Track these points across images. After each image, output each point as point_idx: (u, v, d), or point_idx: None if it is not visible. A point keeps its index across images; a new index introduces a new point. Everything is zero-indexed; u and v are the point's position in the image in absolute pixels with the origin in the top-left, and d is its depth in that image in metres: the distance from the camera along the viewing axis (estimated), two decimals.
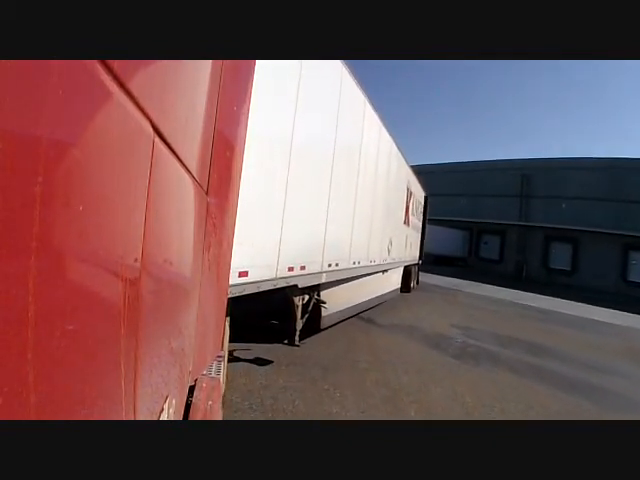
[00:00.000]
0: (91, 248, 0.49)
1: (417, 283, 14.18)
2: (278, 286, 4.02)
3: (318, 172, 4.75)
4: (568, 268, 24.72)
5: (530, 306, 13.03)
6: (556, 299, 15.79)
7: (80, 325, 0.47)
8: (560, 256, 24.95)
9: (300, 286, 4.62)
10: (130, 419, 0.68)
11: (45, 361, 0.39)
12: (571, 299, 16.19)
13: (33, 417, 0.38)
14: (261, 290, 3.64)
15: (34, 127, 0.35)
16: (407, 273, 12.31)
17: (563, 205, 24.52)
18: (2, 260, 0.33)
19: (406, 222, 10.80)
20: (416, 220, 12.72)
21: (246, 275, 3.29)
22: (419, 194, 12.97)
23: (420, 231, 13.89)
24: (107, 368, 0.57)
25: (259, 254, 3.55)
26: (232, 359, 4.74)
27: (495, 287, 16.98)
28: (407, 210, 10.70)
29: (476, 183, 27.05)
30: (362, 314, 7.77)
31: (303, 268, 4.57)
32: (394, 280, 10.78)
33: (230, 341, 5.03)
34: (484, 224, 26.97)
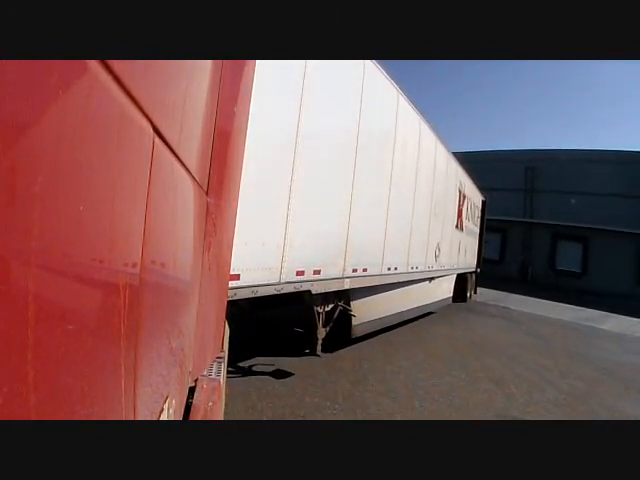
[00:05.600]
0: (91, 248, 0.49)
1: (475, 292, 13.46)
2: (283, 291, 3.67)
3: (334, 169, 4.34)
4: (578, 270, 22.57)
5: (616, 334, 11.06)
6: (618, 316, 14.18)
7: (80, 325, 0.47)
8: (569, 257, 22.73)
9: (314, 292, 4.22)
10: (130, 419, 0.68)
11: (45, 361, 0.39)
12: (625, 313, 14.67)
13: (33, 417, 0.38)
14: (259, 295, 3.35)
15: (34, 127, 0.35)
16: (462, 281, 11.70)
17: (572, 201, 22.35)
18: (2, 260, 0.33)
19: (459, 226, 10.24)
20: (472, 225, 12.09)
21: (237, 278, 3.01)
22: (475, 198, 12.30)
23: (477, 237, 13.25)
24: (107, 368, 0.57)
25: (255, 255, 3.25)
26: (249, 372, 4.51)
27: (528, 298, 15.40)
28: (460, 214, 10.18)
29: (474, 175, 23.84)
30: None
31: (317, 272, 4.16)
32: (445, 288, 10.11)
33: (250, 353, 4.82)
34: None
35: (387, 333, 6.83)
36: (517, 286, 18.81)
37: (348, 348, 5.71)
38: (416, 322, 8.26)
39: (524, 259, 23.95)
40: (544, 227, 23.32)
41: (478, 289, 14.41)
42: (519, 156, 24.61)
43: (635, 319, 14.35)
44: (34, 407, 0.38)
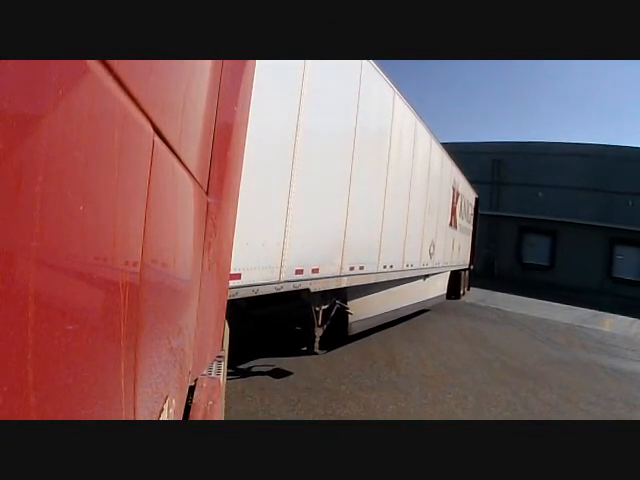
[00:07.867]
0: (91, 247, 0.49)
1: (468, 289, 13.72)
2: (283, 290, 3.71)
3: (332, 168, 4.39)
4: (546, 263, 22.36)
5: (623, 338, 10.98)
6: (609, 315, 14.04)
7: (80, 325, 0.47)
8: (536, 250, 22.49)
9: (312, 290, 4.26)
10: (130, 419, 0.68)
11: (45, 361, 0.39)
12: (612, 311, 14.47)
13: (33, 417, 0.38)
14: (259, 294, 3.38)
15: (34, 127, 0.36)
16: (456, 278, 11.89)
17: (540, 194, 22.09)
18: (2, 260, 0.33)
19: (452, 224, 10.36)
20: (465, 222, 12.23)
21: (238, 278, 3.03)
22: (468, 195, 12.43)
23: (470, 234, 13.40)
24: (107, 368, 0.57)
25: (256, 254, 3.28)
26: (247, 373, 4.52)
27: (510, 296, 15.24)
28: (454, 211, 10.30)
29: None
30: None
31: (316, 271, 4.22)
32: (439, 285, 10.28)
33: (250, 353, 4.83)
34: None
35: (421, 367, 5.97)
36: (486, 281, 18.19)
37: (378, 393, 4.68)
38: (430, 338, 7.87)
39: (490, 252, 23.23)
40: (511, 220, 22.86)
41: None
42: (486, 148, 23.98)
43: (628, 318, 14.35)
44: (34, 407, 0.38)
